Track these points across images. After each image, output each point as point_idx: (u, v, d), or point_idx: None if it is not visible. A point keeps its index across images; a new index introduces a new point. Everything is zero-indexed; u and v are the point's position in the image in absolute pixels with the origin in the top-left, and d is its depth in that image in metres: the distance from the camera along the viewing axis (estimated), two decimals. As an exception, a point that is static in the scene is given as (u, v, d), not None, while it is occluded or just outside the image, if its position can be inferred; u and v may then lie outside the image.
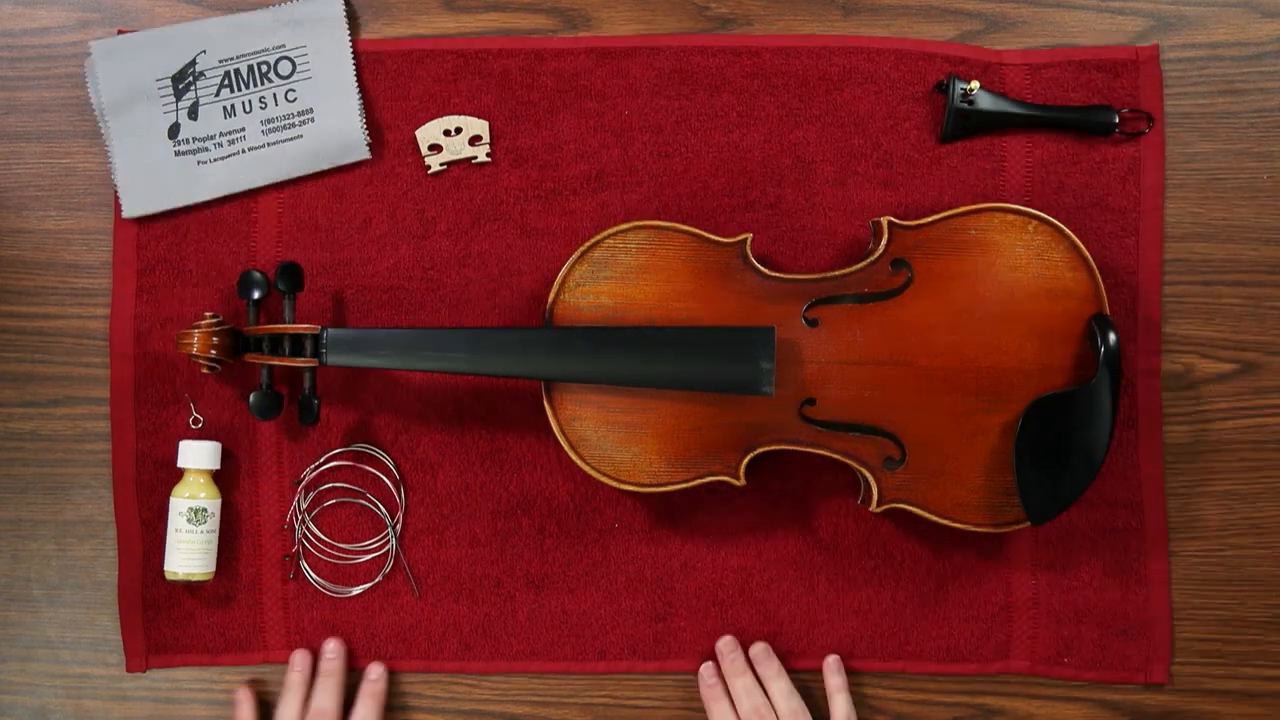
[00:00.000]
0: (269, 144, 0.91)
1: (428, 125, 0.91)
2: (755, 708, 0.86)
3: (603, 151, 0.91)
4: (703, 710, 0.90)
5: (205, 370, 0.86)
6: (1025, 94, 0.91)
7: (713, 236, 0.84)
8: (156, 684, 0.92)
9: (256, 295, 0.87)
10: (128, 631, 0.91)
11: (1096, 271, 0.84)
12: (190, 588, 0.91)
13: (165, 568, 0.88)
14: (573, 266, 0.84)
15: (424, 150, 0.91)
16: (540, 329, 0.83)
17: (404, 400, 0.91)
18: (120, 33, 0.91)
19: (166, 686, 0.92)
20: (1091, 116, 0.90)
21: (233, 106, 0.91)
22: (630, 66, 0.91)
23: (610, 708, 0.92)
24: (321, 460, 0.91)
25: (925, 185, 0.91)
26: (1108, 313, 0.84)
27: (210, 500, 0.88)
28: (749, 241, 0.84)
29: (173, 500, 0.88)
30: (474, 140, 0.91)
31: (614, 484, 0.84)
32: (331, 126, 0.90)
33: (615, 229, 0.84)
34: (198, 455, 0.87)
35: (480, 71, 0.91)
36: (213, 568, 0.89)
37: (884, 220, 0.84)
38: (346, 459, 0.91)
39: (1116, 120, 0.90)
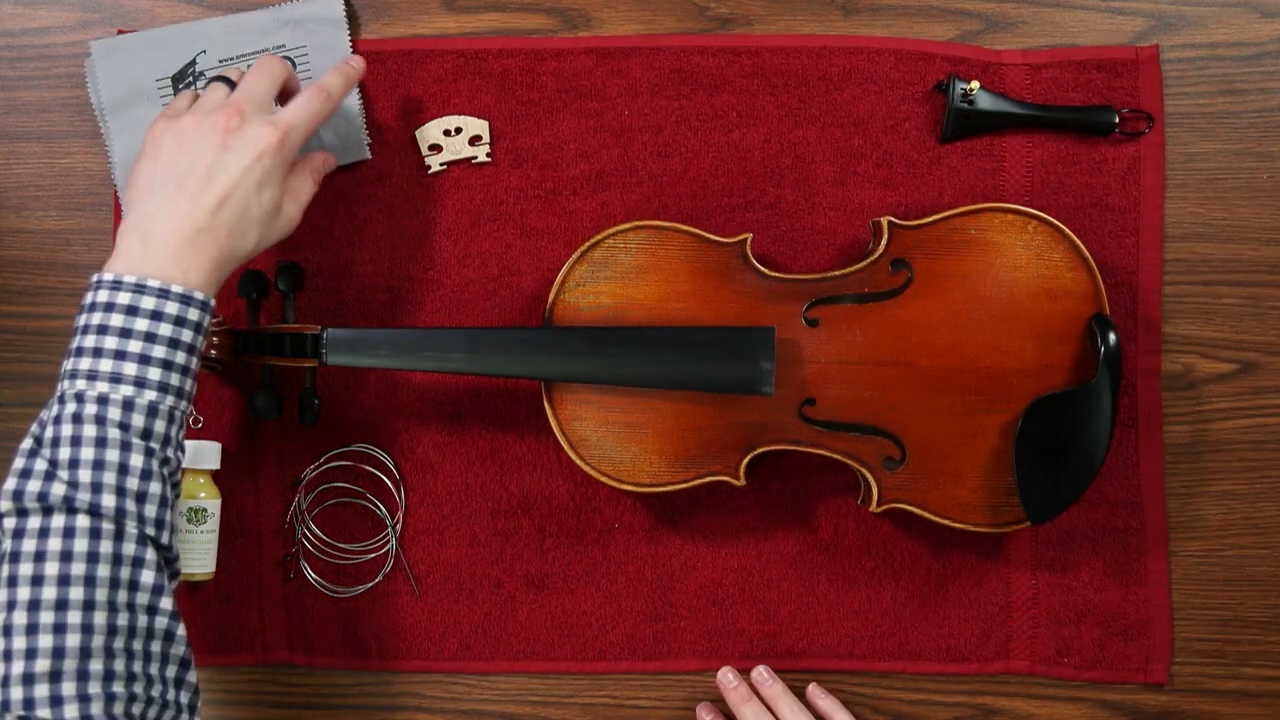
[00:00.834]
0: (269, 144, 0.90)
1: (428, 125, 0.91)
2: None
3: (603, 151, 0.91)
4: (703, 710, 0.90)
5: (205, 370, 0.86)
6: (1025, 94, 0.91)
7: (713, 236, 0.84)
8: (156, 684, 0.92)
9: (256, 295, 0.87)
10: (128, 631, 0.91)
11: (1096, 271, 0.84)
12: (190, 588, 0.90)
13: (165, 568, 0.88)
14: (573, 266, 0.84)
15: (424, 150, 0.91)
16: (540, 329, 0.83)
17: (404, 400, 0.91)
18: (120, 33, 0.91)
19: (166, 686, 0.92)
20: (1091, 116, 0.90)
21: (233, 106, 0.91)
22: (630, 66, 0.91)
23: (610, 708, 0.91)
24: (321, 460, 0.91)
25: (925, 185, 0.91)
26: (1108, 313, 0.84)
27: (210, 500, 0.88)
28: (749, 241, 0.84)
29: (173, 500, 0.88)
30: (474, 140, 0.91)
31: (614, 484, 0.84)
32: (331, 126, 0.90)
33: (615, 229, 0.84)
34: (198, 455, 0.87)
35: (480, 71, 0.91)
36: (213, 568, 0.88)
37: (884, 220, 0.84)
38: (346, 459, 0.91)
39: (1116, 120, 0.90)
